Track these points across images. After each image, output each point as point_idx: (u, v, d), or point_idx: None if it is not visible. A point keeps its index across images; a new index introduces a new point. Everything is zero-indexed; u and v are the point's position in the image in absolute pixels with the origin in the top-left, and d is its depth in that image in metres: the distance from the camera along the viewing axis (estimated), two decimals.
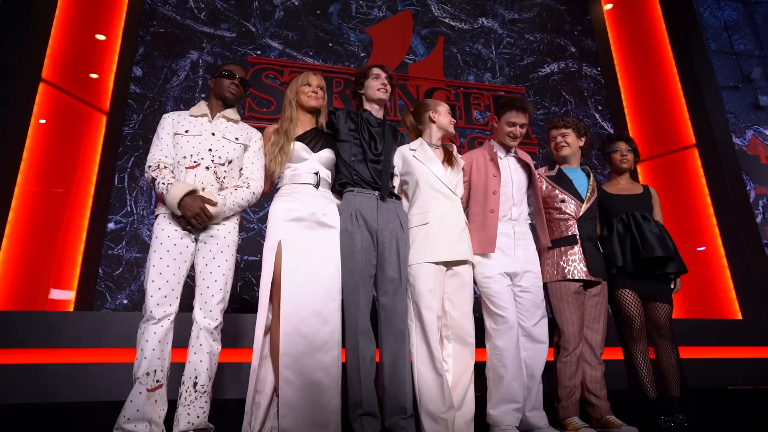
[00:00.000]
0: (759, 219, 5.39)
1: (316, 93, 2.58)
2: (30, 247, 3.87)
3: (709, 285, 4.95)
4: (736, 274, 4.81)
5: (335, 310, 2.29)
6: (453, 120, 2.77)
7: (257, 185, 2.45)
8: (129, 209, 4.40)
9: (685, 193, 5.29)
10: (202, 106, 2.49)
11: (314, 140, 2.52)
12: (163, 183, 2.23)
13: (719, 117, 5.32)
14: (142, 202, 4.43)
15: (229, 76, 2.49)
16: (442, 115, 2.72)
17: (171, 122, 2.42)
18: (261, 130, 2.60)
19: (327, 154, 2.52)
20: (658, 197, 2.95)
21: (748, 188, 5.40)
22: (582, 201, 2.76)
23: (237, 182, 2.42)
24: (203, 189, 2.28)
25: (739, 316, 4.69)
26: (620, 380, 2.74)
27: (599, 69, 6.29)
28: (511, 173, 2.72)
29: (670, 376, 2.63)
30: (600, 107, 6.08)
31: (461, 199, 2.65)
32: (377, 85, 2.68)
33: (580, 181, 2.84)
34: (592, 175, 2.88)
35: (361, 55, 5.48)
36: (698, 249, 5.10)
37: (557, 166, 2.90)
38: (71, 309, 4.04)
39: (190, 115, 2.45)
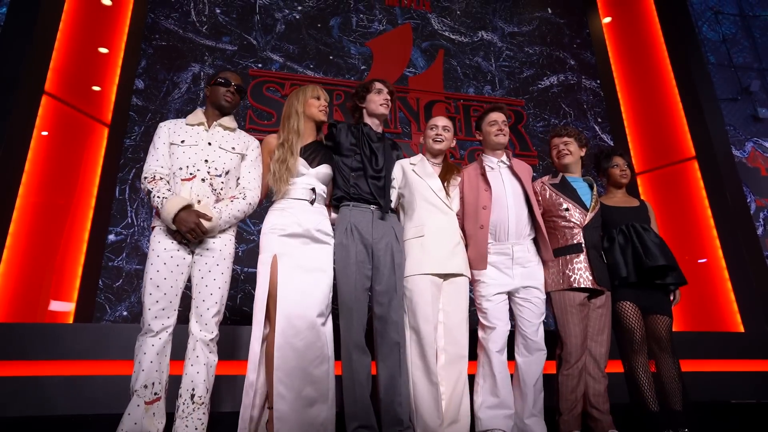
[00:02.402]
0: (760, 231, 5.38)
1: (326, 107, 2.60)
2: (30, 259, 3.87)
3: (710, 297, 4.93)
4: (738, 286, 4.79)
5: (328, 325, 2.32)
6: (438, 135, 2.75)
7: (254, 195, 2.43)
8: (130, 221, 4.41)
9: (686, 205, 5.29)
10: (198, 114, 2.46)
11: (313, 155, 2.52)
12: (158, 197, 2.21)
13: (719, 129, 5.33)
14: (143, 214, 4.43)
15: (224, 84, 2.47)
16: (426, 138, 2.80)
17: (167, 131, 2.39)
18: (260, 140, 2.60)
19: (324, 169, 2.52)
20: (654, 212, 2.96)
21: (748, 200, 5.40)
22: (587, 210, 2.74)
23: (233, 192, 2.40)
24: (199, 202, 2.27)
25: (741, 329, 4.67)
26: (621, 393, 2.72)
27: (598, 81, 6.32)
28: (504, 184, 2.72)
29: (672, 389, 2.61)
30: (599, 119, 6.10)
31: (456, 214, 2.68)
32: (379, 100, 2.69)
33: (584, 190, 2.83)
34: (595, 185, 2.88)
35: (362, 68, 5.51)
36: (699, 261, 5.08)
37: (560, 174, 2.90)
38: (71, 321, 4.03)
39: (187, 124, 2.42)
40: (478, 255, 2.59)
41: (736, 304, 4.77)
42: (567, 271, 2.65)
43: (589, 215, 2.73)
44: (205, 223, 2.21)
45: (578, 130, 3.04)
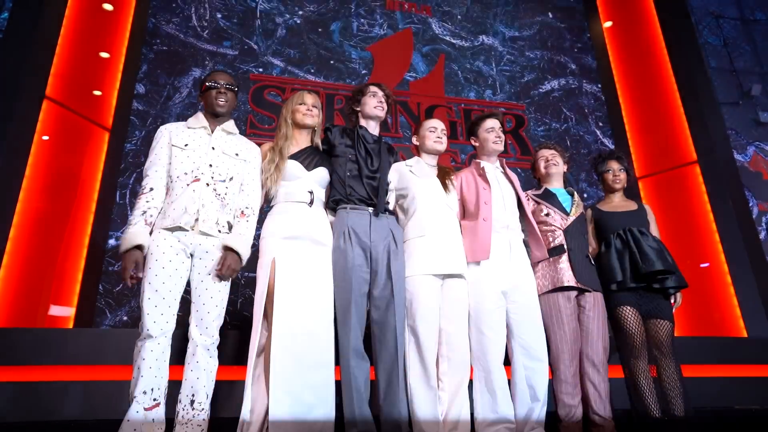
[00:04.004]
0: (762, 235, 5.36)
1: (311, 111, 2.57)
2: (31, 263, 3.87)
3: (712, 302, 4.91)
4: (740, 290, 4.77)
5: (328, 330, 2.29)
6: (439, 137, 2.75)
7: (257, 207, 2.43)
8: None
9: (687, 210, 5.28)
10: (200, 118, 2.42)
11: (309, 159, 2.51)
12: (131, 219, 2.22)
13: (720, 133, 5.33)
14: None
15: (214, 87, 2.41)
16: (424, 138, 2.77)
17: (168, 134, 2.35)
18: (260, 145, 2.60)
19: (321, 172, 2.51)
20: (654, 215, 2.96)
21: (750, 204, 5.38)
22: (567, 214, 2.80)
23: (237, 198, 2.37)
24: (203, 206, 2.25)
25: (744, 334, 4.64)
26: (622, 399, 2.70)
27: (599, 86, 6.32)
28: (500, 185, 2.76)
29: (673, 395, 2.59)
30: (601, 123, 6.10)
31: (455, 215, 2.68)
32: (374, 103, 2.69)
33: (564, 197, 2.90)
34: (575, 194, 2.95)
35: (363, 72, 5.52)
36: (702, 265, 5.07)
37: (543, 186, 2.97)
38: (71, 326, 4.02)
39: (188, 127, 2.39)
40: (479, 245, 2.54)
41: (738, 308, 4.75)
42: (551, 273, 2.68)
43: (570, 218, 2.79)
44: (241, 253, 2.30)
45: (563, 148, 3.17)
